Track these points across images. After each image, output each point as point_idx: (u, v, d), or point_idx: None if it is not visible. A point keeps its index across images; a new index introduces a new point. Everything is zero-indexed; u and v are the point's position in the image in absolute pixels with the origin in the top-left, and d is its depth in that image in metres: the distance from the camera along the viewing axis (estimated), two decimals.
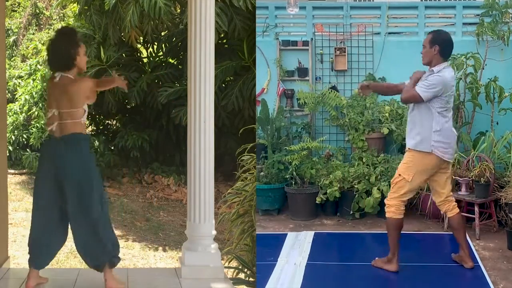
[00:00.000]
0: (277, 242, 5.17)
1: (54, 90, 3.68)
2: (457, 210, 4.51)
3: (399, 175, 4.38)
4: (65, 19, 11.47)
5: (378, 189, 5.75)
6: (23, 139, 9.69)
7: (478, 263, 4.61)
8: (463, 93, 6.20)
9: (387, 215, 4.44)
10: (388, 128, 6.19)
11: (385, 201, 4.50)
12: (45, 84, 9.60)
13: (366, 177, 5.89)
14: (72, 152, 3.63)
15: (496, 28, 6.18)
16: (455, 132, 4.46)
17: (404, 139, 4.84)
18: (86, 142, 3.75)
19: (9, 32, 11.49)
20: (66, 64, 3.69)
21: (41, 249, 3.72)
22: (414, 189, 4.44)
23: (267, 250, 4.86)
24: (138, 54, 10.00)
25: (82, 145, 3.68)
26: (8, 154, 7.39)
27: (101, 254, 3.69)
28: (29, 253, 3.75)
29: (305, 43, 6.79)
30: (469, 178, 5.41)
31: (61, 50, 3.69)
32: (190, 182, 4.12)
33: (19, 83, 10.30)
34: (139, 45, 9.66)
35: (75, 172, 3.62)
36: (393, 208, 4.40)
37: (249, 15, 7.90)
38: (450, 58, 4.43)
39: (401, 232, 4.41)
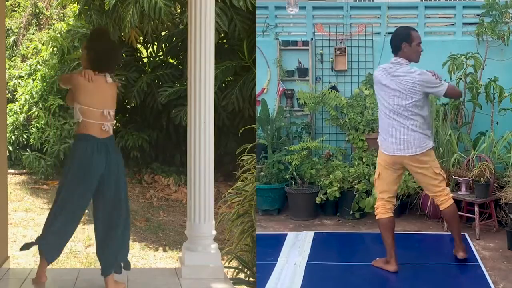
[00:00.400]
0: (277, 242, 5.17)
1: (104, 91, 3.71)
2: (448, 203, 4.44)
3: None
4: (65, 19, 11.45)
5: None
6: (23, 139, 9.68)
7: (478, 263, 4.61)
8: (463, 93, 6.20)
9: (376, 217, 4.49)
10: None
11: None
12: (45, 84, 9.60)
13: (366, 177, 5.89)
14: (117, 153, 3.79)
15: (496, 28, 6.18)
16: (397, 128, 4.29)
17: None
18: None
19: (9, 32, 11.48)
20: (116, 66, 3.86)
21: (59, 242, 3.75)
22: (387, 186, 4.43)
23: (267, 250, 4.86)
24: (138, 54, 9.99)
25: (116, 147, 3.83)
26: (8, 154, 7.39)
27: (117, 256, 3.75)
28: (41, 243, 3.73)
29: (305, 43, 6.79)
30: (469, 178, 5.41)
31: (115, 52, 3.85)
32: (190, 182, 4.12)
33: (19, 83, 10.28)
34: (139, 45, 9.65)
35: (120, 172, 3.76)
36: (379, 208, 4.45)
37: (249, 15, 7.89)
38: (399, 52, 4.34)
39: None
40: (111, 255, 3.72)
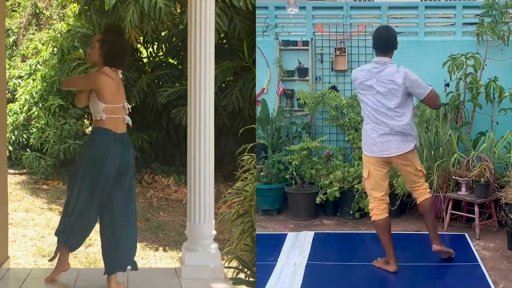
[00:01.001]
0: (277, 242, 5.17)
1: (120, 85, 3.77)
2: (425, 197, 4.50)
3: None
4: (65, 19, 11.46)
5: None
6: (23, 139, 9.68)
7: (478, 263, 4.61)
8: (463, 93, 6.20)
9: (371, 219, 4.50)
10: None
11: None
12: (45, 84, 9.60)
13: None
14: (130, 151, 3.83)
15: (496, 28, 6.18)
16: (374, 131, 4.33)
17: None
18: None
19: (9, 32, 11.48)
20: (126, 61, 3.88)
21: (80, 232, 3.76)
22: (378, 184, 4.41)
23: (267, 250, 4.86)
24: (138, 54, 9.99)
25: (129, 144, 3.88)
26: (8, 154, 7.38)
27: (124, 255, 3.75)
28: (62, 232, 3.75)
29: (305, 43, 6.79)
30: (469, 178, 5.40)
31: (128, 49, 3.89)
32: (190, 182, 4.12)
33: (19, 83, 10.28)
34: (139, 45, 9.65)
35: (132, 170, 3.80)
36: (374, 210, 4.46)
37: (249, 15, 7.90)
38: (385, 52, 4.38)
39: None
40: (117, 254, 3.71)
